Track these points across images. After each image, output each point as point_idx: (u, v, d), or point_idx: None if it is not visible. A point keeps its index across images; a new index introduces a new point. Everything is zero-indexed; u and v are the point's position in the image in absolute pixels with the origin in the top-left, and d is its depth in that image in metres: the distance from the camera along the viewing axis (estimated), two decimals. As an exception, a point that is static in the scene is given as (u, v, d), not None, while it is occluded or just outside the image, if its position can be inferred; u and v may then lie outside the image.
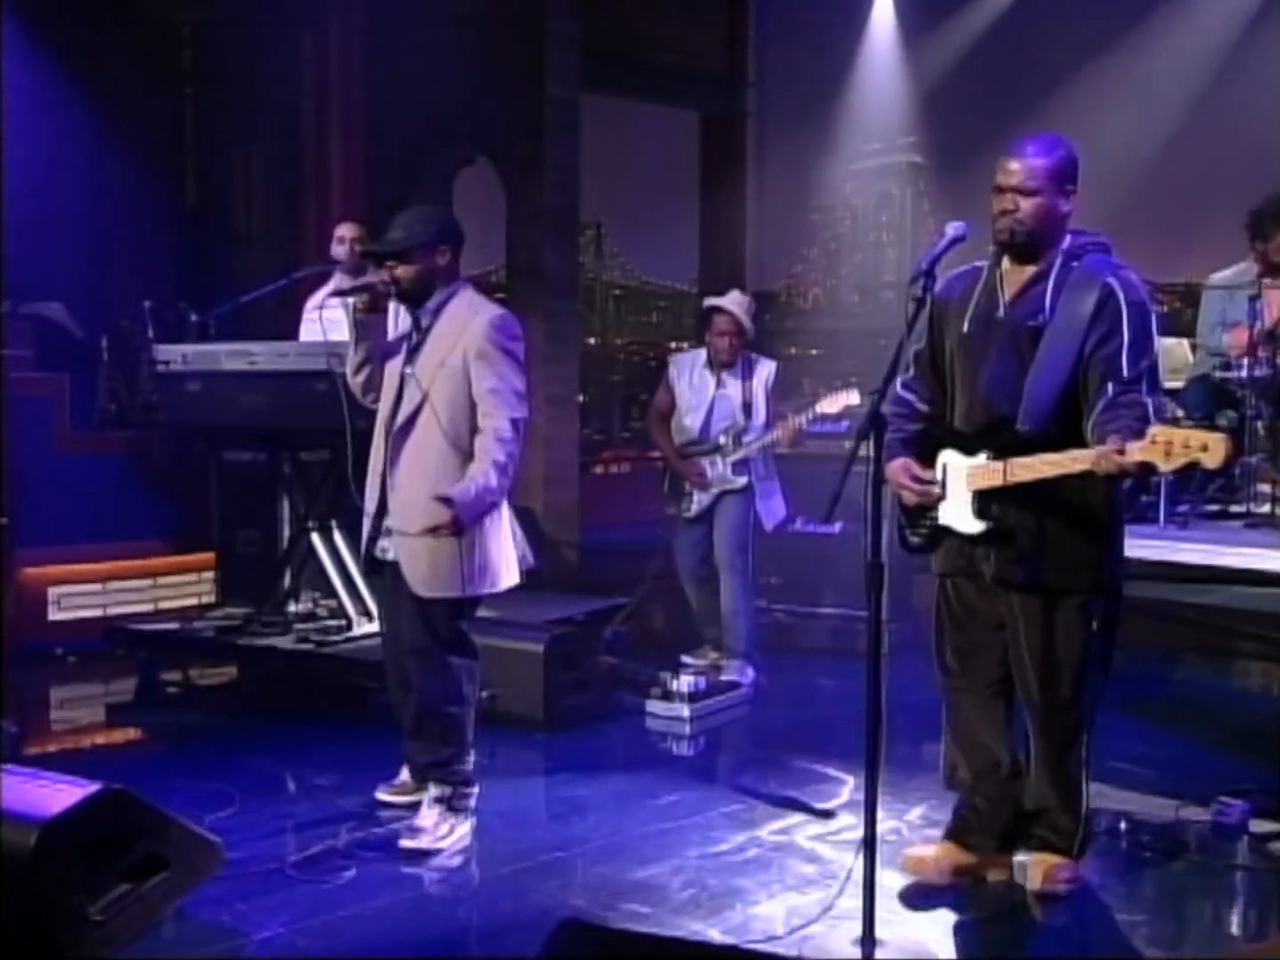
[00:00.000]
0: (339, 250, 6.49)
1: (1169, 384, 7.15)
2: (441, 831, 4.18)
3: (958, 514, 3.59)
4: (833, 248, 14.32)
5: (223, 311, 6.65)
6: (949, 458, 3.61)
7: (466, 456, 4.05)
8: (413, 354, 4.14)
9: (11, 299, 7.20)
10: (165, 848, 3.36)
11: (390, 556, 4.18)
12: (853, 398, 6.41)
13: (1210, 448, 2.97)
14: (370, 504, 4.23)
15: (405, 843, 4.14)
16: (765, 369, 6.56)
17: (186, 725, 5.94)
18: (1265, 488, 7.01)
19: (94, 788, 3.14)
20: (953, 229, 3.46)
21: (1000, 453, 3.46)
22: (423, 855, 4.10)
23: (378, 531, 4.23)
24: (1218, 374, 7.21)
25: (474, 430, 4.06)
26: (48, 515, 6.96)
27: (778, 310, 14.32)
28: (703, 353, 6.64)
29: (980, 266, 3.69)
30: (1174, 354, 7.91)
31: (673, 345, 14.92)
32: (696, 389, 6.60)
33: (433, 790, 4.26)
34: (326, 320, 6.51)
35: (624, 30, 10.72)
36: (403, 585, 4.13)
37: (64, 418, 7.15)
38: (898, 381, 3.72)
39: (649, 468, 14.38)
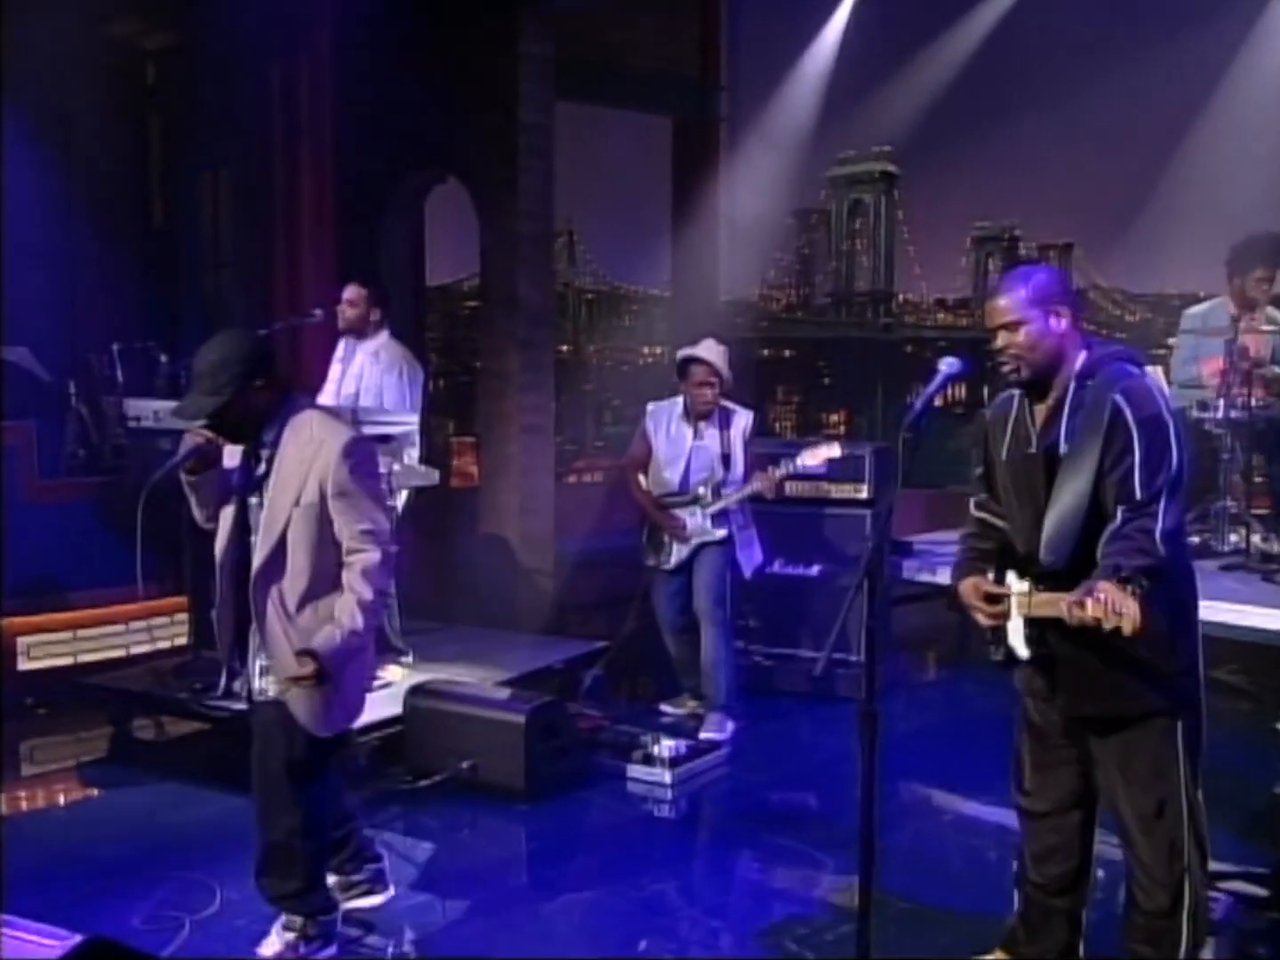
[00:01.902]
0: (340, 312, 6.46)
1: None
2: None
3: (1016, 638, 3.48)
4: (806, 254, 14.29)
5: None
6: (1011, 579, 3.49)
7: (331, 588, 3.82)
8: (259, 484, 3.85)
9: (-24, 343, 7.08)
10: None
11: (270, 694, 3.93)
12: (833, 450, 6.45)
13: (1125, 620, 2.97)
14: (226, 641, 3.99)
15: None
16: (743, 419, 6.51)
17: (160, 794, 5.73)
18: (1235, 537, 7.06)
19: (74, 941, 3.05)
20: (946, 366, 3.40)
21: (1036, 582, 3.38)
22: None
23: (235, 673, 4.03)
24: (1194, 413, 7.22)
25: (338, 564, 3.81)
26: (16, 564, 6.84)
27: (750, 315, 14.28)
28: (679, 402, 6.57)
29: (1014, 395, 3.60)
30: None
31: (645, 350, 14.90)
32: (674, 440, 6.55)
33: (283, 918, 4.07)
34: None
35: (595, 35, 10.58)
36: (272, 717, 3.92)
37: (32, 465, 7.00)
38: (972, 502, 3.70)
39: (621, 477, 14.40)
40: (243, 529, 3.86)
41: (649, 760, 5.75)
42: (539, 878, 4.97)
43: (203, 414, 3.77)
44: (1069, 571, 3.31)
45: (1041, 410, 3.49)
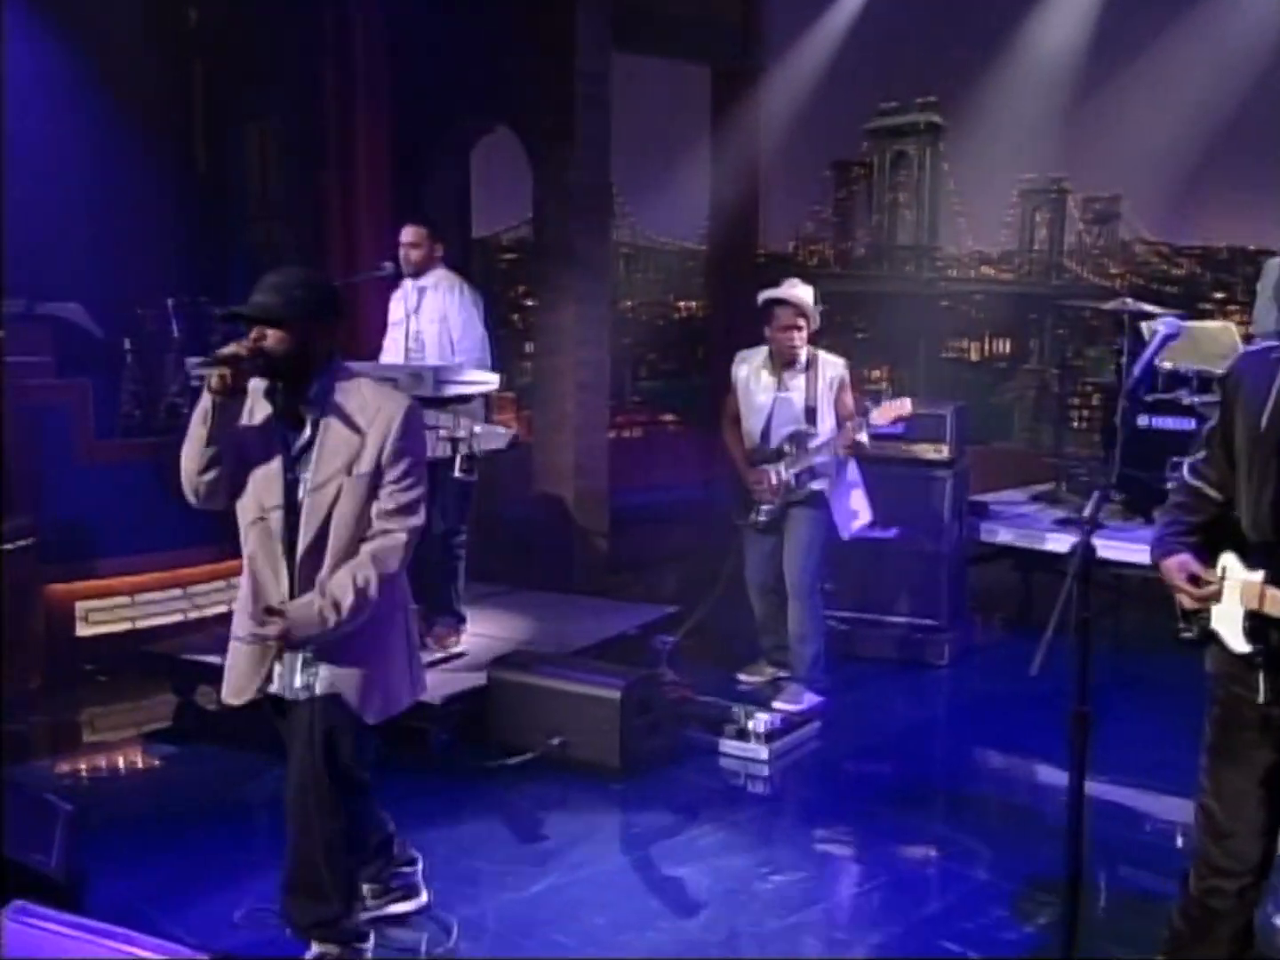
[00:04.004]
0: (398, 256, 6.17)
1: (1217, 370, 6.96)
2: None
3: (1229, 627, 3.18)
4: (845, 207, 14.00)
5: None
6: (1229, 562, 3.17)
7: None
8: (300, 456, 3.46)
9: (27, 298, 6.82)
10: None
11: (318, 691, 3.53)
12: (905, 407, 6.10)
13: None
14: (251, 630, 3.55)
15: None
16: (831, 370, 6.13)
17: (226, 769, 5.54)
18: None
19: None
20: (1165, 326, 3.14)
21: (1276, 577, 3.05)
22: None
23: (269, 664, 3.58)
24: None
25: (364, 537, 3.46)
26: (73, 528, 6.64)
27: (789, 271, 14.00)
28: (763, 350, 6.24)
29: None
30: (1220, 339, 7.69)
31: (680, 305, 14.63)
32: (757, 391, 6.22)
33: (314, 949, 3.68)
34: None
35: (633, -17, 10.26)
36: (314, 718, 3.53)
37: (88, 426, 6.77)
38: (1185, 464, 3.29)
39: (661, 432, 14.26)
40: (289, 509, 3.45)
41: (743, 735, 5.56)
42: (639, 858, 4.74)
43: (266, 314, 3.37)
44: None
45: None
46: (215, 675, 6.27)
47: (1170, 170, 11.73)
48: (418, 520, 3.50)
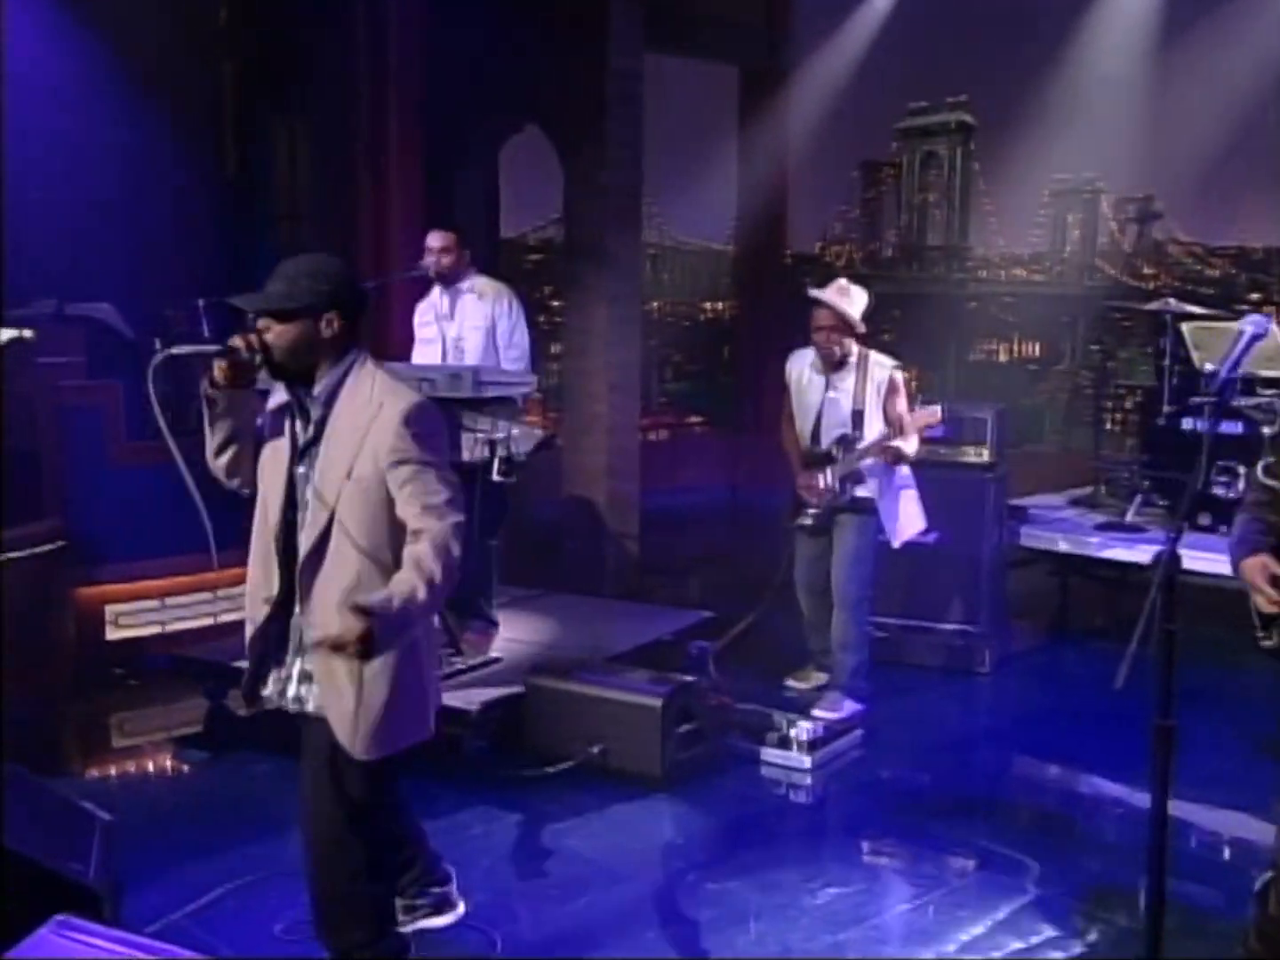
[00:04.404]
0: (428, 261, 6.05)
1: (1266, 372, 6.81)
2: None
3: None
4: (873, 207, 13.89)
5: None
6: None
7: (390, 569, 3.17)
8: (304, 452, 3.25)
9: (57, 298, 6.75)
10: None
11: (310, 708, 3.29)
12: (935, 415, 5.98)
13: None
14: (254, 633, 3.34)
15: None
16: (879, 373, 5.96)
17: (260, 775, 5.38)
18: None
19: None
20: (1252, 325, 3.03)
21: None
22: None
23: (264, 670, 3.36)
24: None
25: (398, 542, 3.17)
26: (102, 531, 6.57)
27: (818, 270, 13.92)
28: (812, 351, 6.14)
29: None
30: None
31: (706, 306, 14.55)
32: (805, 391, 6.11)
33: None
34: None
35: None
36: (319, 740, 3.30)
37: (118, 427, 6.69)
38: (1260, 467, 3.23)
39: (688, 433, 14.18)
40: (289, 504, 3.25)
41: (786, 743, 5.46)
42: (685, 871, 4.63)
43: (261, 306, 3.17)
44: None
45: None
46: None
47: (1204, 170, 11.61)
48: (457, 515, 3.14)
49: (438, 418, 3.29)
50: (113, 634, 6.70)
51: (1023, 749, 5.99)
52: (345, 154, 8.16)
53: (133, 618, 6.75)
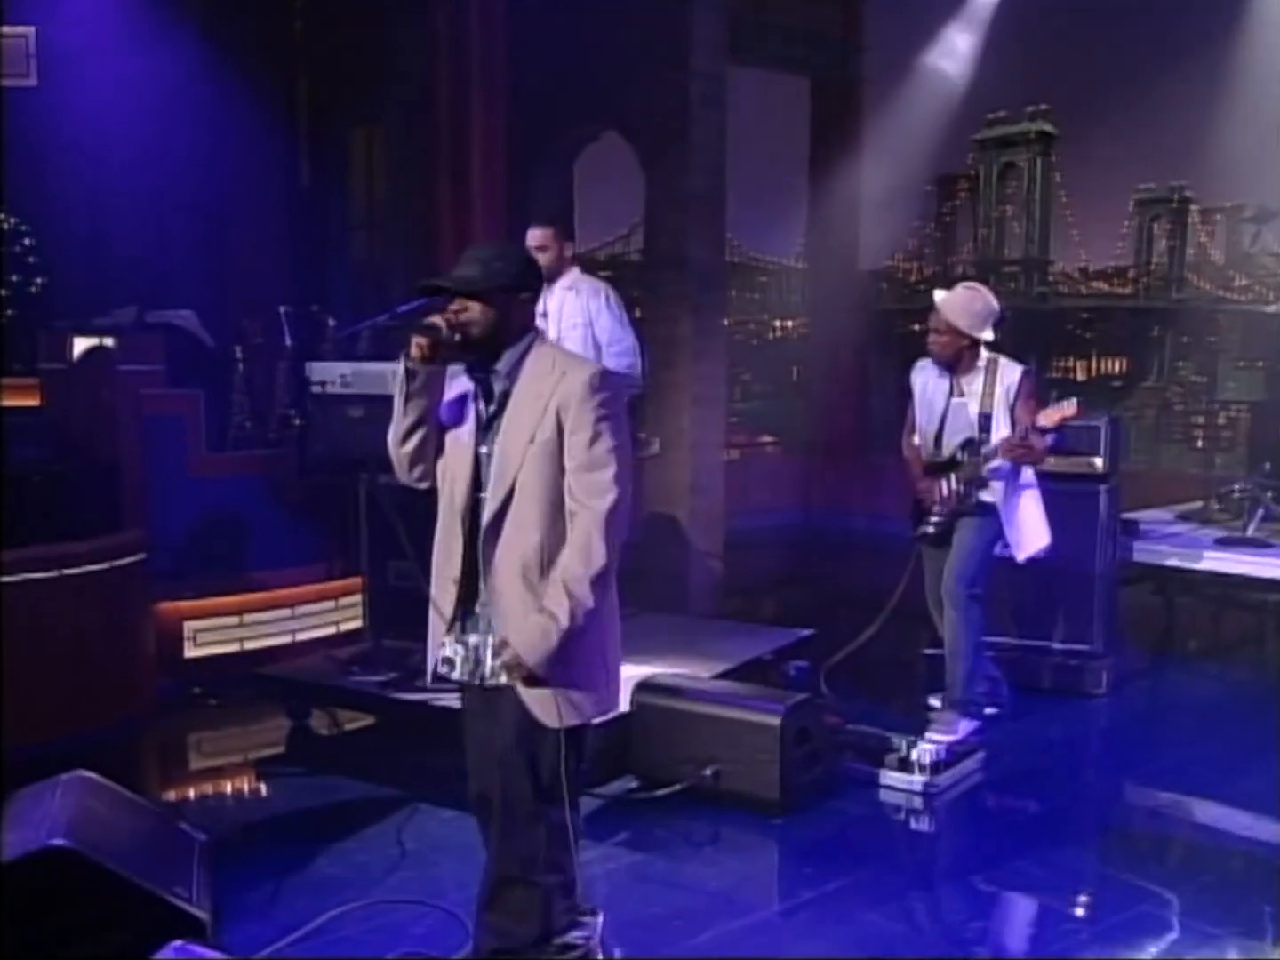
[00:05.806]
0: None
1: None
2: None
3: None
4: (949, 221, 13.62)
5: (379, 324, 5.86)
6: None
7: (564, 537, 3.23)
8: (488, 429, 3.30)
9: (139, 305, 6.59)
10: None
11: (505, 679, 3.28)
12: (1071, 408, 5.66)
13: None
14: (445, 612, 3.33)
15: None
16: (1009, 376, 5.70)
17: (349, 801, 5.13)
18: None
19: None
20: None
21: None
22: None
23: (456, 647, 3.37)
24: None
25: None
26: (182, 545, 6.37)
27: (893, 286, 13.64)
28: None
29: None
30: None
31: (776, 324, 14.27)
32: (930, 397, 5.86)
33: None
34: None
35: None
36: (510, 711, 3.29)
37: (199, 438, 6.51)
38: None
39: (758, 453, 13.88)
40: (475, 485, 3.29)
41: (905, 766, 5.14)
42: (809, 902, 4.29)
43: (468, 286, 3.25)
44: None
45: None
46: (329, 699, 6.04)
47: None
48: (610, 500, 3.17)
49: (620, 387, 3.41)
50: (191, 651, 6.50)
51: (1150, 777, 5.63)
52: (425, 160, 7.96)
53: (211, 635, 6.55)
